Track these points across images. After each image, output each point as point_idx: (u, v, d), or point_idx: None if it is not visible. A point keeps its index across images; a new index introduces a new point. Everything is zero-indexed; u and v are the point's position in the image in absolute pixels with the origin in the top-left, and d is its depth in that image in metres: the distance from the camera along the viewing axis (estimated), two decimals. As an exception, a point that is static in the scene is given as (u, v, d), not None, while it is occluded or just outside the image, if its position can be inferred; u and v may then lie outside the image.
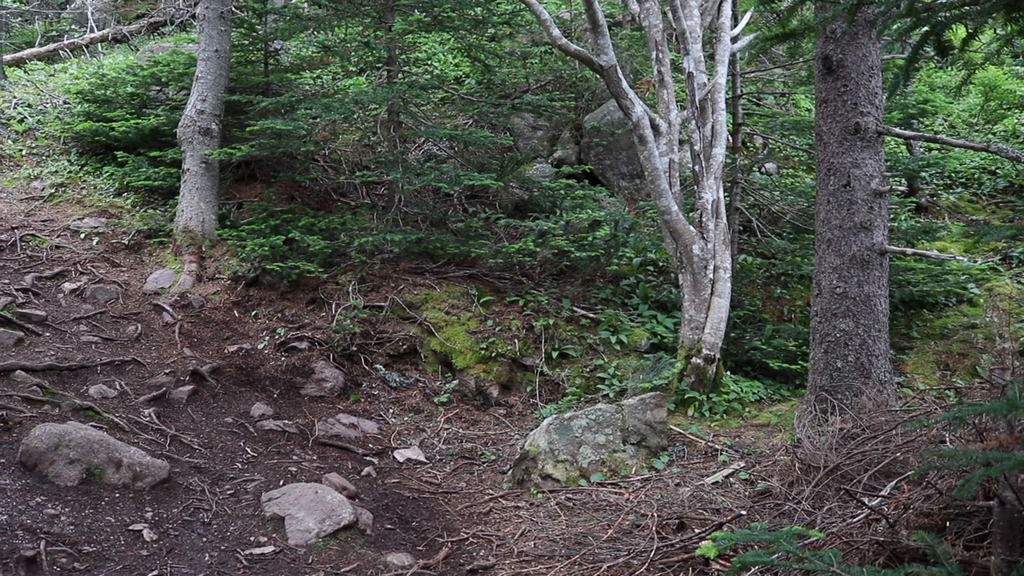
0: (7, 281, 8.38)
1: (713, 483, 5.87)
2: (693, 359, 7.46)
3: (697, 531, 4.95)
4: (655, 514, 5.38)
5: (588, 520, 5.64)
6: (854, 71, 6.18)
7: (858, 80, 6.18)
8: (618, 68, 7.55)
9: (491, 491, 6.53)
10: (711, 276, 7.57)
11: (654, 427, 6.58)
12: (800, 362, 7.93)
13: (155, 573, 4.76)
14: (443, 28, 10.43)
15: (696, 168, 7.70)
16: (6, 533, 4.82)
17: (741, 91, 9.84)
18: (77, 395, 6.65)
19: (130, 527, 5.17)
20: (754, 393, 7.74)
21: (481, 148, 10.48)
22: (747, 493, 5.63)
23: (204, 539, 5.25)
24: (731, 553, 4.32)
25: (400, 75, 10.07)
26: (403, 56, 10.49)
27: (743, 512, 5.04)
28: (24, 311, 7.79)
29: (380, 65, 10.58)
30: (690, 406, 7.34)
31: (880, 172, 6.25)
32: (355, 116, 10.16)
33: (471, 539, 5.73)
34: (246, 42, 10.90)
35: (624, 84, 7.55)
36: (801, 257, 9.49)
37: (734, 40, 8.53)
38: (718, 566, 4.31)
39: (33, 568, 4.58)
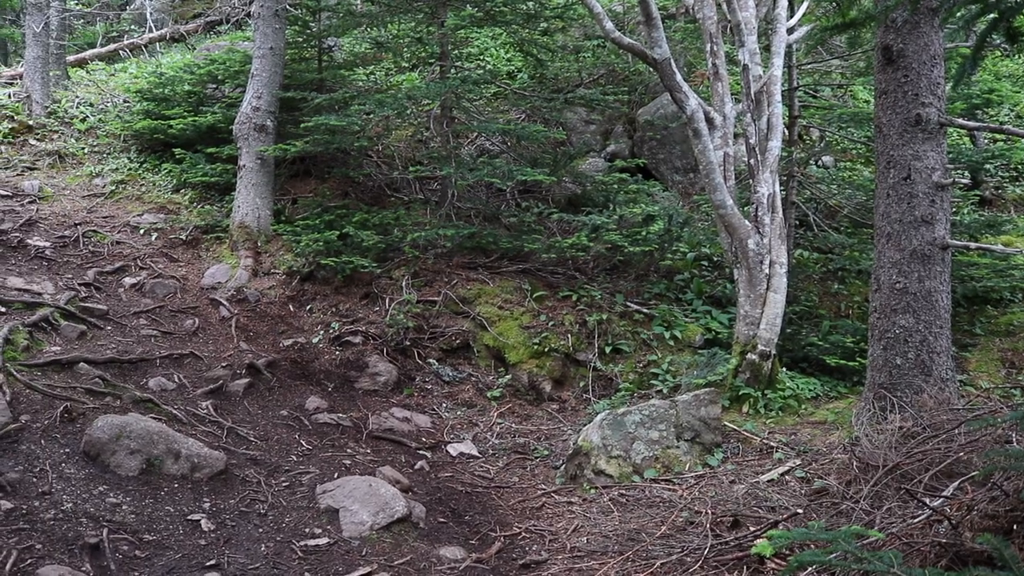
0: (70, 276, 8.58)
1: (768, 481, 5.79)
2: (748, 355, 7.36)
3: (752, 529, 4.89)
4: (709, 511, 5.32)
5: (641, 516, 5.61)
6: (915, 61, 6.03)
7: (919, 70, 6.03)
8: (672, 61, 7.47)
9: (544, 486, 6.52)
10: (767, 271, 7.47)
11: (708, 423, 6.51)
12: (858, 359, 7.78)
13: (213, 562, 4.84)
14: (495, 23, 10.42)
15: (751, 162, 7.59)
16: (71, 520, 4.94)
17: (797, 83, 9.67)
18: (137, 387, 6.78)
19: (188, 517, 5.27)
20: (810, 390, 7.61)
21: (534, 143, 10.46)
22: (803, 491, 5.55)
23: (260, 530, 5.32)
24: (787, 552, 4.25)
25: (453, 70, 10.09)
26: (455, 51, 10.52)
27: (799, 510, 4.96)
28: (86, 305, 7.96)
29: (432, 61, 10.61)
30: (745, 403, 7.25)
31: (942, 164, 6.10)
32: (408, 112, 10.21)
33: (524, 534, 5.73)
34: (300, 39, 11.01)
35: (678, 77, 7.47)
36: (859, 252, 9.30)
37: (790, 31, 8.38)
38: (773, 565, 4.25)
39: (96, 555, 4.70)
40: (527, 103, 11.15)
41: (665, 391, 7.75)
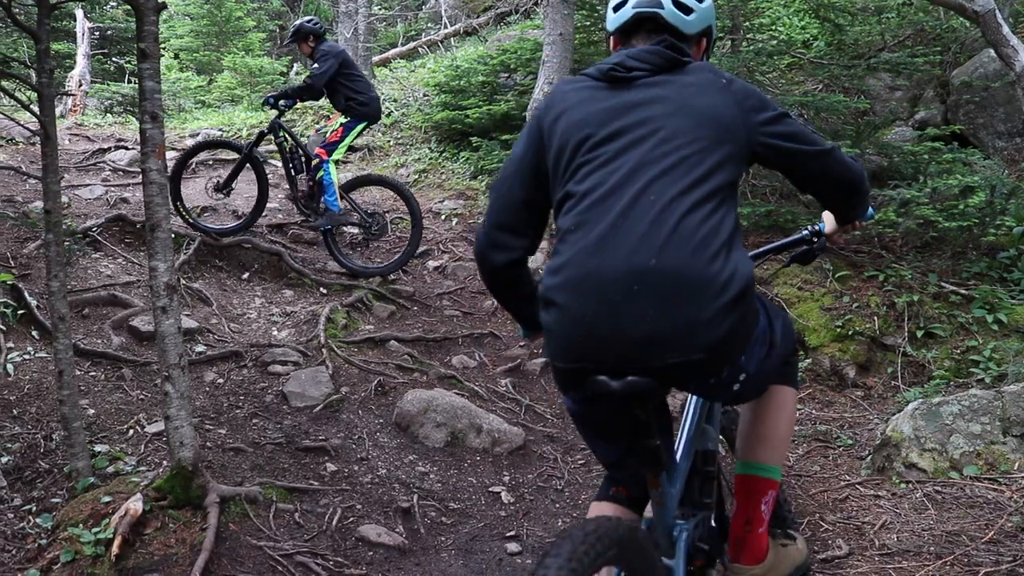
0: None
1: (1122, 486, 5.07)
2: (1092, 341, 6.49)
3: (1102, 540, 4.30)
4: (1046, 517, 4.76)
5: (961, 517, 5.12)
6: None
7: None
8: (997, 12, 6.72)
9: (847, 477, 6.14)
10: (1116, 246, 6.53)
11: (1042, 418, 5.81)
12: None
13: (512, 533, 5.04)
14: (789, -11, 9.96)
15: (1096, 121, 6.67)
16: (385, 485, 5.37)
17: None
18: (441, 364, 7.21)
19: (489, 488, 5.52)
20: None
21: (834, 114, 9.84)
22: None
23: (556, 505, 5.46)
24: None
25: (745, 43, 9.75)
26: (747, 23, 10.14)
27: None
28: (395, 287, 8.57)
29: (723, 35, 10.30)
30: (1088, 395, 6.39)
31: None
32: (700, 88, 9.97)
33: (826, 526, 5.43)
34: (588, 23, 11.10)
35: (1004, 30, 6.71)
36: None
37: None
38: None
39: (408, 518, 5.08)
40: (825, 72, 10.52)
41: (987, 380, 7.01)
